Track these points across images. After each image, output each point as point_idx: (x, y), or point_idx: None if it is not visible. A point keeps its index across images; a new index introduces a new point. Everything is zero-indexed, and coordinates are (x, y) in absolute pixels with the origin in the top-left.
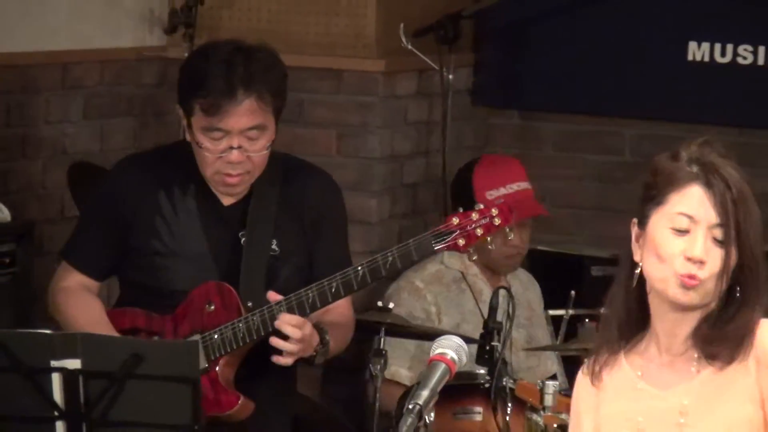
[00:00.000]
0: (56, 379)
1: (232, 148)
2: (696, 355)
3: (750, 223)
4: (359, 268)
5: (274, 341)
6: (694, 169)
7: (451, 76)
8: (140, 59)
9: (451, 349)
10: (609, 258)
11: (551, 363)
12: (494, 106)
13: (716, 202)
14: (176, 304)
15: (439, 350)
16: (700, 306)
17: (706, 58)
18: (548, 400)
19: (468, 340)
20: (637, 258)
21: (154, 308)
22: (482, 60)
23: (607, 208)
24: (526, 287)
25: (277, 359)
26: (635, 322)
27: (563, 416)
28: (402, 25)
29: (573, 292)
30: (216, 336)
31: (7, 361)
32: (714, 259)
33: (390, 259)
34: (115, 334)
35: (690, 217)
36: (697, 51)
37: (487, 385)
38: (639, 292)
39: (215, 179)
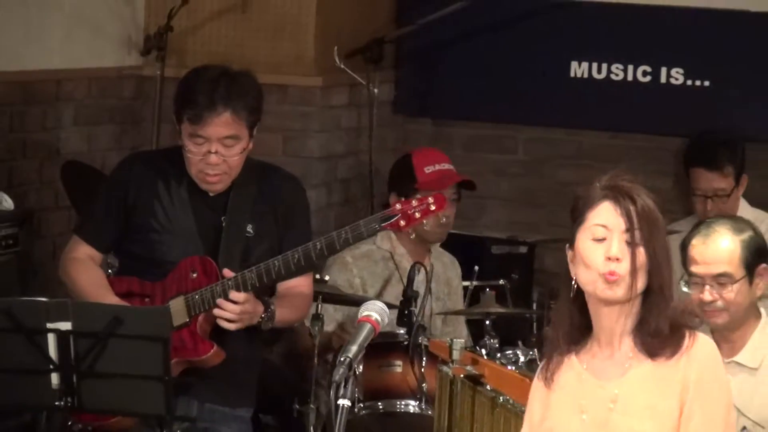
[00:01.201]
0: (51, 338)
1: (210, 152)
2: (631, 355)
3: (655, 233)
4: (317, 243)
5: (216, 312)
6: (605, 191)
7: (376, 90)
8: (120, 77)
9: (376, 312)
10: (506, 239)
11: (462, 328)
12: (411, 115)
13: (623, 212)
14: (166, 272)
15: (366, 312)
16: (625, 299)
17: (585, 75)
18: (456, 354)
19: (389, 305)
20: (573, 275)
21: (148, 276)
22: (402, 77)
23: (505, 198)
24: (447, 268)
25: (221, 323)
26: (579, 329)
27: (468, 368)
28: (336, 48)
29: (477, 267)
30: (197, 297)
31: (10, 324)
32: (628, 258)
33: (344, 236)
34: (114, 297)
35: (604, 227)
36: (578, 69)
37: (406, 343)
38: (580, 304)
39: (198, 177)
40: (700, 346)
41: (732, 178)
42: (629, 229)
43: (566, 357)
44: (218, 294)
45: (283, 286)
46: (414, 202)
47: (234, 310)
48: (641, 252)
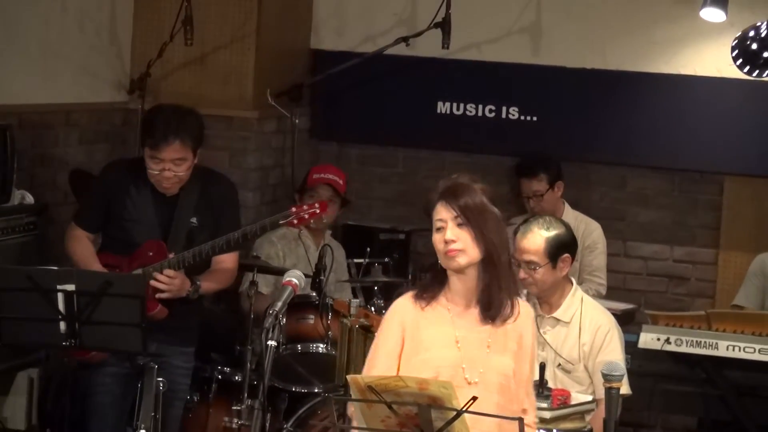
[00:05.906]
0: (60, 296)
1: (164, 169)
2: (483, 315)
3: (479, 217)
4: (236, 233)
5: (153, 284)
6: (439, 194)
7: (297, 121)
8: (112, 109)
9: (295, 278)
10: (389, 228)
11: (348, 293)
12: (322, 139)
13: (451, 207)
14: (133, 250)
15: (288, 278)
16: (466, 266)
17: (448, 111)
18: (353, 311)
19: (306, 275)
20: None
21: (120, 252)
22: (316, 111)
23: (388, 199)
24: (336, 248)
25: (158, 295)
26: (437, 284)
27: (362, 320)
28: (268, 90)
29: (368, 249)
30: (150, 269)
31: (31, 285)
32: (462, 237)
33: (255, 228)
34: (99, 265)
35: (441, 220)
36: (442, 106)
37: (316, 302)
38: (443, 271)
39: (156, 185)
40: (524, 307)
41: (546, 183)
42: (456, 216)
43: (432, 301)
44: (161, 269)
45: (213, 260)
46: (304, 207)
47: (166, 282)
48: (468, 231)
